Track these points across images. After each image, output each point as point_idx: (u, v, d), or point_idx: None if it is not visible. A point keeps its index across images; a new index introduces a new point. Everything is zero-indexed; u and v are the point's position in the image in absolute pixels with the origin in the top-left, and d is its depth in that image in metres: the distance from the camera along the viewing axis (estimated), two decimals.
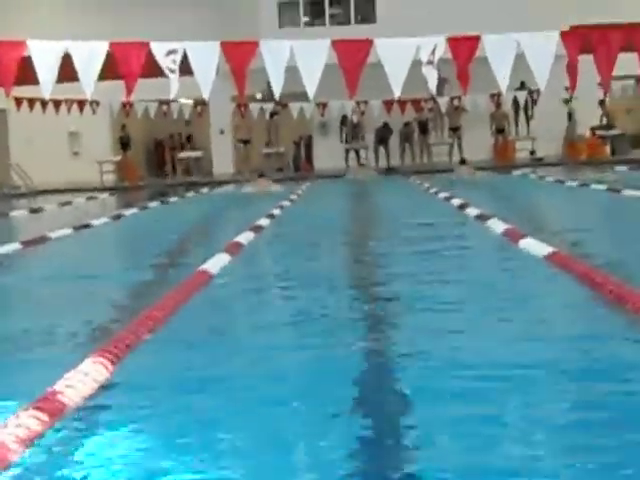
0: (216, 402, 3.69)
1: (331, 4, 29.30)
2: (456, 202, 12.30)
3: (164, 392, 3.90)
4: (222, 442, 3.20)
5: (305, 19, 29.33)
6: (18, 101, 24.55)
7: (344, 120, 28.73)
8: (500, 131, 28.87)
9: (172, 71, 10.44)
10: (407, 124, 28.84)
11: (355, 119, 28.29)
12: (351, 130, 28.85)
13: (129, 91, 10.49)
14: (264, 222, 10.98)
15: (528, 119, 29.09)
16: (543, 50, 10.72)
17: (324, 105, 27.29)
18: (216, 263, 6.95)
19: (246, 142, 28.89)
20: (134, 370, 3.90)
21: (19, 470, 2.85)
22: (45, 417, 2.86)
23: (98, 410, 3.50)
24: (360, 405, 3.54)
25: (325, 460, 2.96)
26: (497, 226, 8.68)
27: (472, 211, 10.65)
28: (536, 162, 26.88)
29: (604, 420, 3.20)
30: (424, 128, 29.14)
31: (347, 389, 3.72)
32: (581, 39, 11.17)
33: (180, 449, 3.12)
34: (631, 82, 25.97)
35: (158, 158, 32.73)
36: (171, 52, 10.43)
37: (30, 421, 2.79)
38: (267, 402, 3.62)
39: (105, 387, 3.47)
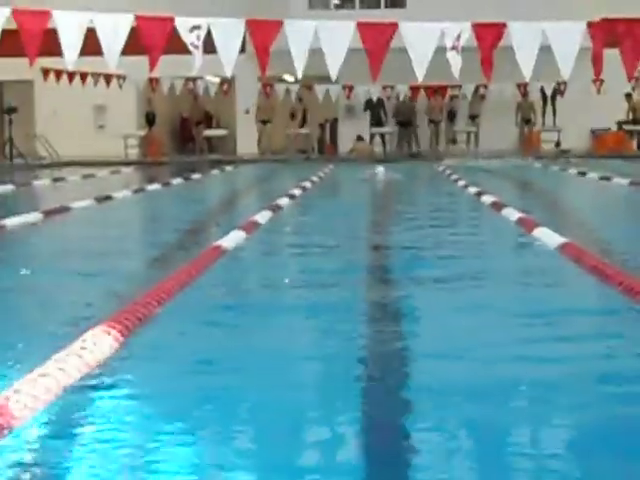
0: (226, 380, 3.70)
1: None
2: (473, 190, 12.34)
3: (173, 366, 3.92)
4: (232, 424, 3.19)
5: (335, 1, 29.25)
6: (45, 72, 24.70)
7: (369, 104, 28.74)
8: (526, 121, 28.82)
9: (196, 47, 10.44)
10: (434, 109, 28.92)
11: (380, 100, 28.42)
12: (376, 113, 28.97)
13: (152, 65, 10.49)
14: (283, 202, 11.02)
15: (555, 110, 28.98)
16: (569, 40, 10.68)
17: (350, 88, 27.28)
18: (231, 240, 6.99)
19: (266, 122, 28.95)
20: (143, 342, 3.94)
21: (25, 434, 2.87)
22: (54, 382, 2.90)
23: (105, 379, 3.51)
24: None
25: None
26: (511, 215, 8.69)
27: (488, 199, 10.68)
28: (561, 154, 26.77)
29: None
30: (452, 115, 29.20)
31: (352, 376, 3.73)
32: (607, 31, 11.10)
33: (185, 427, 3.13)
34: None
35: (183, 135, 32.75)
36: (195, 28, 10.43)
37: (43, 381, 2.83)
38: (279, 385, 3.60)
39: (114, 358, 3.50)
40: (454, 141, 28.79)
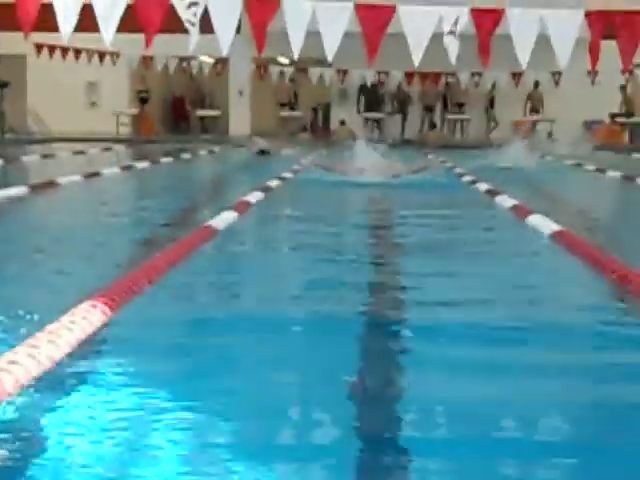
0: (210, 357, 3.67)
1: None
2: (467, 178, 12.31)
3: (157, 342, 3.90)
4: (218, 400, 3.17)
5: None
6: (38, 47, 24.57)
7: (363, 89, 28.73)
8: (535, 112, 28.87)
9: (192, 24, 10.39)
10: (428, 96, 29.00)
11: (374, 85, 28.42)
12: (370, 98, 28.94)
13: (148, 43, 10.44)
14: (274, 183, 10.98)
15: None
16: (566, 29, 10.64)
17: (344, 72, 27.24)
18: (222, 220, 6.94)
19: (284, 105, 29.20)
20: (130, 317, 3.89)
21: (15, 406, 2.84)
22: (40, 357, 2.85)
23: (92, 354, 3.49)
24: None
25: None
26: (506, 202, 8.67)
27: (481, 186, 10.67)
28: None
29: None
30: (446, 102, 29.32)
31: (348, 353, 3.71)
32: (605, 21, 11.08)
33: (172, 402, 3.10)
34: None
35: (175, 114, 32.64)
36: (192, 4, 10.36)
37: (25, 360, 2.78)
38: (265, 361, 3.58)
39: (101, 331, 3.46)
40: (434, 126, 28.80)
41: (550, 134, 28.46)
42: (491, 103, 29.36)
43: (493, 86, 28.20)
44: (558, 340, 3.95)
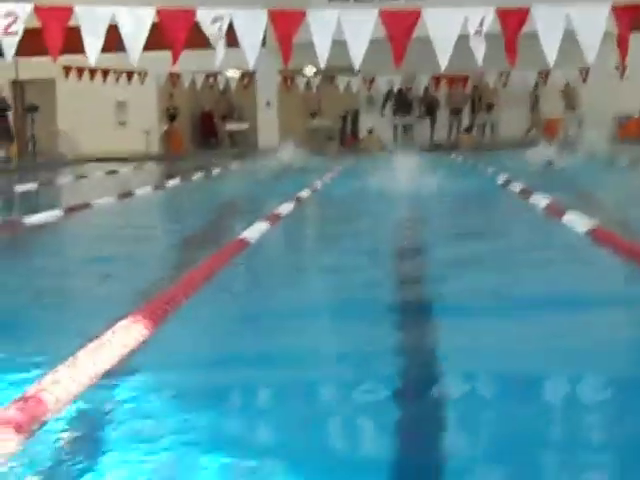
0: (251, 372, 3.65)
1: None
2: (501, 178, 12.29)
3: (200, 357, 3.90)
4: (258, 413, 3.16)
5: None
6: (66, 70, 24.74)
7: (390, 94, 28.68)
8: (571, 109, 28.72)
9: (218, 39, 10.42)
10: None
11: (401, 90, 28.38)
12: (398, 103, 28.89)
13: (175, 59, 10.49)
14: (305, 194, 10.98)
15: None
16: (593, 24, 10.55)
17: (371, 80, 27.21)
18: (255, 231, 6.94)
19: (315, 115, 29.44)
20: (171, 333, 3.89)
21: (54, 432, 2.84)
22: (79, 376, 2.85)
23: (134, 370, 3.48)
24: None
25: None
26: (540, 201, 8.61)
27: (515, 186, 10.64)
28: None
29: None
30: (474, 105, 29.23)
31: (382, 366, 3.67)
32: (632, 14, 10.97)
33: (211, 416, 3.11)
34: None
35: (204, 129, 32.74)
36: (217, 19, 10.39)
37: (66, 379, 2.78)
38: (301, 377, 3.56)
39: (142, 348, 3.45)
40: (468, 129, 28.72)
41: (580, 130, 28.25)
42: (534, 102, 29.25)
43: (536, 85, 27.94)
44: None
